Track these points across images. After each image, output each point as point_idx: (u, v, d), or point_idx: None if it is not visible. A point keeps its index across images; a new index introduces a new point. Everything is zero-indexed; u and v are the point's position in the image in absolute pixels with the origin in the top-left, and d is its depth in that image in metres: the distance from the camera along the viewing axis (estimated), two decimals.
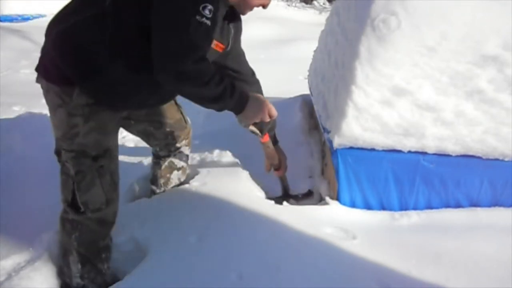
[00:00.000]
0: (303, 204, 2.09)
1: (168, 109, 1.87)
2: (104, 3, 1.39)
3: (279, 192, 2.23)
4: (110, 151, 1.59)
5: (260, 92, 1.99)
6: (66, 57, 1.45)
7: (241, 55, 1.94)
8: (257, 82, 2.03)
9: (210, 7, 1.34)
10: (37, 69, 1.55)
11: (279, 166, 2.12)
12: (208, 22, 1.34)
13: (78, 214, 1.57)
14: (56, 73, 1.46)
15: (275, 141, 2.12)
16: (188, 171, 2.13)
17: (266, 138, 1.98)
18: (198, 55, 1.39)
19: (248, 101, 1.58)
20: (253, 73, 2.01)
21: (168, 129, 1.91)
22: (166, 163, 2.02)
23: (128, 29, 1.40)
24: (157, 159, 2.04)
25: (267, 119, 1.67)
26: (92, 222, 1.59)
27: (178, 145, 1.99)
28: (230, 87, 1.49)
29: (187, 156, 2.09)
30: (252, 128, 1.81)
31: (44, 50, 1.53)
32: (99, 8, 1.40)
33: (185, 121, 1.99)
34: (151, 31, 1.35)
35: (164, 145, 1.97)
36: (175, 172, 2.05)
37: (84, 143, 1.51)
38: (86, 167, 1.53)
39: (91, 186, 1.55)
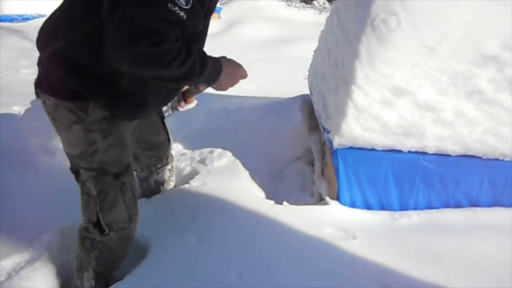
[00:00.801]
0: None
1: (157, 128, 1.82)
2: (98, 16, 1.27)
3: (279, 192, 2.23)
4: (130, 166, 1.53)
5: None
6: (72, 75, 1.35)
7: None
8: None
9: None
10: (38, 84, 1.43)
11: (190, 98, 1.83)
12: (182, 14, 1.20)
13: (100, 236, 1.51)
14: (66, 89, 1.36)
15: None
16: (173, 179, 2.10)
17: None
18: (158, 36, 1.20)
19: (221, 71, 1.43)
20: None
21: (153, 151, 1.86)
22: (151, 184, 1.99)
23: None
24: (140, 181, 1.99)
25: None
26: (114, 242, 1.53)
27: (159, 165, 1.95)
28: (200, 62, 1.32)
29: (169, 170, 2.03)
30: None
31: (43, 66, 1.42)
32: (92, 22, 1.29)
33: (169, 140, 1.93)
34: (115, 15, 1.20)
35: (146, 166, 1.91)
36: (161, 187, 2.02)
37: (105, 160, 1.44)
38: (108, 185, 1.46)
39: (114, 205, 1.48)
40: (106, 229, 1.49)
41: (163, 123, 1.88)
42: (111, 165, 1.46)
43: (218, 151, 2.42)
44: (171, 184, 2.07)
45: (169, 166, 2.02)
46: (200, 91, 1.74)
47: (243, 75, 1.55)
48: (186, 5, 1.21)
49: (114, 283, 1.61)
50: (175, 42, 1.23)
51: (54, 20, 1.40)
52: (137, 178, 2.00)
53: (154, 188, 2.01)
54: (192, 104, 1.82)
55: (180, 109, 1.81)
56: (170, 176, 2.05)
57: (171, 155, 2.01)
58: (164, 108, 1.85)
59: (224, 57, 1.48)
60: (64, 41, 1.33)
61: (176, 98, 1.78)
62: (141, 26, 1.18)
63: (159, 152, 1.90)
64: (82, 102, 1.37)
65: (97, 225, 1.50)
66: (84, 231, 1.54)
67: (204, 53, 1.37)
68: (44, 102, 1.44)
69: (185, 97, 1.75)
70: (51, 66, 1.37)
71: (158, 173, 1.98)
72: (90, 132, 1.40)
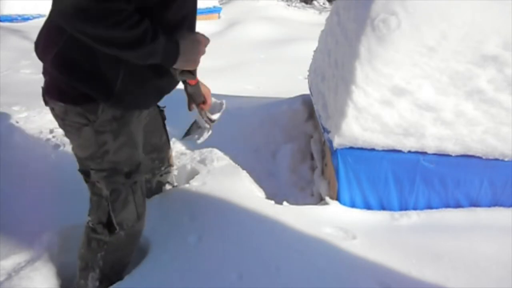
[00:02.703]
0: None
1: (159, 130, 1.82)
2: None
3: (279, 192, 2.23)
4: (141, 165, 1.53)
5: None
6: (77, 78, 1.33)
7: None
8: None
9: None
10: (46, 92, 1.42)
11: (205, 99, 1.72)
12: None
13: (110, 236, 1.51)
14: (75, 94, 1.35)
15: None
16: (174, 182, 2.10)
17: (197, 79, 1.60)
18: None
19: (179, 49, 1.31)
20: None
21: (155, 153, 1.85)
22: (154, 185, 1.99)
23: None
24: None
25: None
26: (122, 241, 1.54)
27: (163, 168, 1.95)
28: (152, 32, 1.22)
29: (171, 174, 2.04)
30: (183, 77, 1.50)
31: (49, 74, 1.40)
32: None
33: (168, 141, 1.93)
34: None
35: (150, 169, 1.90)
36: (163, 187, 2.03)
37: (116, 160, 1.44)
38: (120, 185, 1.46)
39: (125, 204, 1.49)
40: (117, 227, 1.49)
41: (164, 124, 1.88)
42: (122, 164, 1.45)
43: (218, 151, 2.42)
44: (173, 183, 2.07)
45: (174, 172, 2.02)
46: (193, 86, 1.61)
47: (205, 40, 1.40)
48: None
49: (115, 282, 1.61)
50: (126, 4, 1.16)
51: (47, 28, 1.39)
52: None
53: (155, 189, 2.01)
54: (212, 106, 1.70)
55: (212, 116, 1.70)
56: (172, 178, 2.05)
57: (172, 158, 2.01)
58: (196, 136, 1.78)
59: (188, 40, 1.36)
60: (60, 44, 1.32)
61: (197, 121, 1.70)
62: None
63: (161, 154, 1.89)
64: (91, 104, 1.36)
65: (107, 225, 1.50)
66: (92, 232, 1.54)
67: (157, 29, 1.25)
68: (53, 109, 1.43)
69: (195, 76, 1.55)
70: (58, 73, 1.36)
71: (161, 175, 1.99)
72: (100, 133, 1.39)
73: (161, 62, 1.31)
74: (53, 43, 1.34)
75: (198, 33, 1.41)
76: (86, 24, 1.16)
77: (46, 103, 1.44)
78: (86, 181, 1.50)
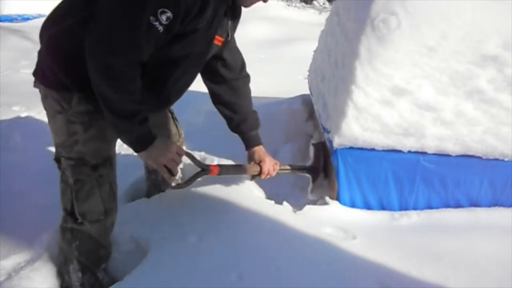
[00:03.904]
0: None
1: (165, 122, 1.84)
2: (94, 6, 1.29)
3: (279, 192, 2.22)
4: (110, 160, 1.55)
5: (247, 87, 1.86)
6: (60, 64, 1.40)
7: (235, 46, 1.80)
8: (245, 78, 1.85)
9: (169, 14, 1.24)
10: (34, 74, 1.50)
11: (260, 171, 1.87)
12: (161, 28, 1.26)
13: (76, 224, 1.54)
14: (54, 79, 1.42)
15: (257, 143, 1.90)
16: (180, 179, 2.10)
17: (215, 172, 1.73)
18: (135, 58, 1.30)
19: (151, 144, 1.44)
20: (242, 68, 1.83)
21: None
22: (160, 177, 2.00)
23: None
24: (149, 173, 2.01)
25: (167, 167, 1.51)
26: (91, 232, 1.56)
27: None
28: (143, 117, 1.38)
29: (181, 168, 2.05)
30: (194, 177, 1.67)
31: (40, 55, 1.49)
32: (87, 11, 1.32)
33: (179, 135, 1.95)
34: (98, 8, 1.25)
35: None
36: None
37: (84, 151, 1.47)
38: (85, 176, 1.49)
39: (90, 195, 1.51)
40: (79, 217, 1.52)
41: (173, 117, 1.89)
42: (89, 156, 1.48)
43: (218, 151, 2.43)
44: (178, 181, 2.07)
45: (180, 165, 2.02)
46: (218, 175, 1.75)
47: (178, 151, 1.53)
48: (169, 23, 1.26)
49: (102, 277, 1.63)
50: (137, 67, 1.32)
51: (56, 8, 1.46)
52: (146, 169, 2.02)
53: (161, 182, 2.01)
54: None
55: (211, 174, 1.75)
56: (180, 174, 2.05)
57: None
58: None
59: (164, 141, 1.51)
60: (59, 27, 1.38)
61: None
62: (119, 37, 1.25)
63: None
64: (67, 93, 1.41)
65: (71, 213, 1.53)
66: (63, 221, 1.59)
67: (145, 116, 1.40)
68: (40, 91, 1.51)
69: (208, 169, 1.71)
70: (46, 53, 1.43)
71: None
72: (71, 123, 1.44)
73: (128, 144, 1.43)
74: (53, 23, 1.41)
75: (174, 144, 1.55)
76: (105, 79, 1.30)
77: (34, 84, 1.52)
78: (58, 168, 1.55)
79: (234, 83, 1.79)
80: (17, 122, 3.03)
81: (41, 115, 3.11)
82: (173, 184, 1.68)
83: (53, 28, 1.40)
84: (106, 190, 1.54)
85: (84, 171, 1.49)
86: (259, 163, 1.87)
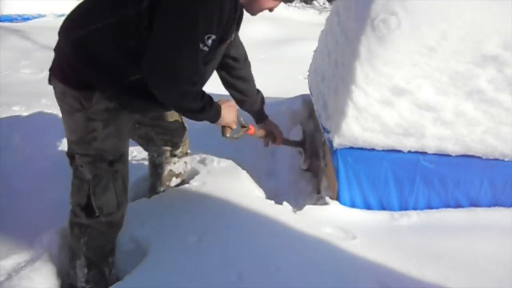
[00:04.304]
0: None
1: (171, 114, 1.88)
2: (125, 11, 1.37)
3: (279, 192, 2.23)
4: (124, 156, 1.61)
5: (251, 72, 2.04)
6: (87, 65, 1.44)
7: (238, 41, 1.92)
8: (248, 66, 2.03)
9: (213, 37, 1.39)
10: (51, 71, 1.53)
11: (275, 138, 2.18)
12: (207, 49, 1.40)
13: (90, 218, 1.57)
14: (76, 78, 1.46)
15: (265, 116, 2.15)
16: (185, 175, 2.13)
17: (252, 131, 2.05)
18: (197, 77, 1.45)
19: (220, 111, 1.66)
20: (245, 58, 1.99)
21: (168, 136, 1.92)
22: (165, 172, 2.03)
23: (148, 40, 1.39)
24: (155, 167, 2.03)
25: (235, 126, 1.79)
26: (102, 226, 1.60)
27: (176, 151, 1.99)
28: (209, 100, 1.56)
29: (186, 163, 2.09)
30: (238, 135, 1.94)
31: (61, 52, 1.50)
32: (120, 16, 1.38)
33: (184, 128, 1.99)
34: (151, 43, 1.35)
35: (162, 151, 1.96)
36: (174, 178, 2.06)
37: (102, 147, 1.52)
38: (102, 171, 1.54)
39: (106, 190, 1.56)
40: (96, 211, 1.56)
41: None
42: (107, 152, 1.53)
43: (218, 151, 2.42)
44: (183, 176, 2.10)
45: (185, 159, 2.07)
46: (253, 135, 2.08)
47: (231, 125, 1.77)
48: (212, 44, 1.41)
49: (109, 273, 1.65)
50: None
51: (84, 8, 1.49)
52: (151, 164, 2.05)
53: (166, 177, 2.04)
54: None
55: (250, 133, 2.05)
56: (184, 170, 2.09)
57: (187, 145, 2.05)
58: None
59: (224, 103, 1.70)
60: (88, 29, 1.42)
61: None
62: (184, 72, 1.38)
63: (174, 138, 1.95)
64: (88, 92, 1.46)
65: (85, 208, 1.57)
66: (72, 215, 1.61)
67: (210, 96, 1.57)
68: (54, 89, 1.53)
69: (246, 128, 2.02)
70: (71, 55, 1.45)
71: (174, 163, 2.03)
72: (91, 120, 1.48)
73: (205, 120, 1.63)
74: (84, 25, 1.43)
75: (229, 100, 1.77)
76: (183, 102, 1.46)
77: (49, 82, 1.55)
78: (71, 164, 1.58)
79: (240, 72, 1.95)
80: (17, 122, 3.03)
81: (42, 115, 3.12)
82: (227, 135, 1.82)
83: (81, 30, 1.43)
84: (120, 184, 1.59)
85: (102, 166, 1.54)
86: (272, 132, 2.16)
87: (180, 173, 2.07)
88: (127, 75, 1.44)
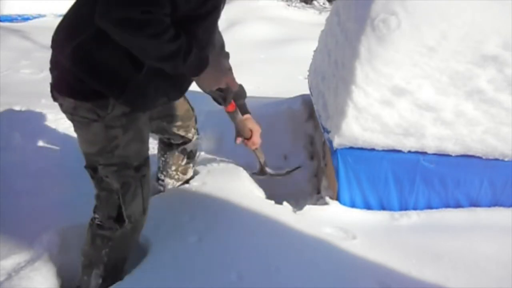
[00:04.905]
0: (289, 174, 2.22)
1: (177, 101, 1.83)
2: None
3: (279, 192, 2.23)
4: (148, 159, 1.57)
5: (228, 63, 1.86)
6: (92, 73, 1.36)
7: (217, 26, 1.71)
8: (226, 56, 1.88)
9: None
10: (55, 88, 1.44)
11: (249, 137, 2.00)
12: None
13: (120, 229, 1.54)
14: (85, 89, 1.37)
15: (245, 111, 1.99)
16: (197, 156, 2.14)
17: (231, 108, 1.88)
18: (151, 6, 1.22)
19: (205, 67, 1.41)
20: (222, 46, 1.87)
21: (179, 122, 1.89)
22: (177, 152, 2.02)
23: None
24: (167, 147, 2.02)
25: (221, 87, 1.59)
26: (125, 235, 1.57)
27: (189, 135, 1.98)
28: (186, 48, 1.31)
29: (197, 140, 2.08)
30: (214, 94, 1.76)
31: (60, 67, 1.41)
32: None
33: (192, 109, 1.96)
34: None
35: (178, 137, 1.95)
36: (186, 158, 2.05)
37: (125, 154, 1.47)
38: (130, 178, 1.50)
39: (135, 197, 1.52)
40: (126, 220, 1.52)
41: (185, 97, 1.88)
42: (131, 158, 1.49)
43: (218, 151, 2.43)
44: (195, 156, 2.10)
45: (196, 137, 2.04)
46: (230, 113, 1.90)
47: (232, 83, 1.60)
48: None
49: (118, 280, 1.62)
50: (165, 16, 1.24)
51: (72, 18, 1.42)
52: (162, 144, 2.03)
53: (178, 156, 2.03)
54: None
55: (226, 110, 1.88)
56: (196, 148, 2.08)
57: (196, 124, 2.03)
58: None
59: (214, 59, 1.48)
60: (85, 35, 1.33)
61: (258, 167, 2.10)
62: None
63: (185, 122, 1.92)
64: (101, 100, 1.39)
65: (117, 219, 1.53)
66: (98, 229, 1.56)
67: (191, 43, 1.34)
68: (61, 105, 1.46)
69: (226, 102, 1.84)
70: (72, 65, 1.37)
71: (186, 143, 2.00)
72: (111, 128, 1.43)
73: (188, 73, 1.42)
74: (75, 36, 1.36)
75: (227, 73, 1.59)
76: (129, 33, 1.23)
77: (55, 99, 1.47)
78: (92, 177, 1.52)
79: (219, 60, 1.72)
80: (17, 122, 3.03)
81: (42, 115, 3.11)
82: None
83: (78, 38, 1.35)
84: (146, 189, 1.57)
85: (128, 173, 1.49)
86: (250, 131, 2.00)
87: (191, 151, 2.06)
88: (133, 78, 1.37)
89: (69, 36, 1.38)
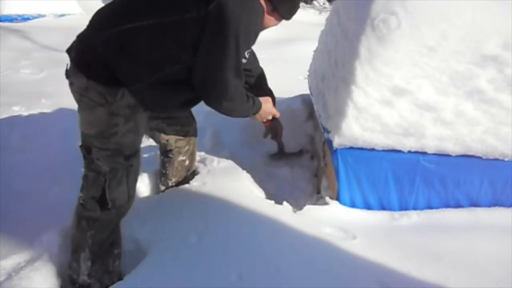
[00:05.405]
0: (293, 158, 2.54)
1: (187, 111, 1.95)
2: (163, 14, 1.45)
3: (279, 192, 2.23)
4: (139, 151, 1.66)
5: (265, 78, 2.18)
6: (119, 62, 1.48)
7: (253, 52, 2.01)
8: (262, 70, 2.16)
9: (250, 50, 1.62)
10: (74, 63, 1.52)
11: (276, 136, 2.35)
12: (245, 61, 1.60)
13: (102, 211, 1.59)
14: (104, 74, 1.48)
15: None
16: (195, 161, 2.18)
17: (268, 123, 2.23)
18: (242, 86, 1.62)
19: (261, 105, 1.87)
20: (257, 64, 2.12)
21: (179, 126, 1.97)
22: (176, 162, 2.06)
23: (186, 44, 1.48)
24: (167, 157, 2.06)
25: (271, 117, 2.05)
26: (111, 218, 1.63)
27: (186, 139, 2.02)
28: (252, 98, 1.77)
29: (195, 147, 2.13)
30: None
31: (88, 45, 1.51)
32: (158, 18, 1.45)
33: (193, 117, 2.04)
34: (201, 62, 1.48)
35: (174, 140, 2.00)
36: (185, 164, 2.10)
37: (121, 142, 1.56)
38: (119, 165, 1.58)
39: (120, 183, 1.60)
40: (109, 203, 1.59)
41: None
42: (125, 147, 1.58)
43: (218, 151, 2.43)
44: (194, 161, 2.16)
45: (194, 142, 2.11)
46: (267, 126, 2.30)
47: (275, 113, 2.07)
48: (247, 55, 1.60)
49: (113, 264, 1.65)
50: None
51: (119, 7, 1.53)
52: (162, 150, 2.08)
53: (178, 162, 2.07)
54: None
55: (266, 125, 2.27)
56: (194, 155, 2.14)
57: (196, 131, 2.10)
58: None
59: (261, 98, 1.91)
60: (125, 27, 1.46)
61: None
62: (232, 86, 1.54)
63: (184, 127, 2.00)
64: (113, 88, 1.49)
65: (100, 200, 1.59)
66: (82, 209, 1.62)
67: (251, 94, 1.78)
68: (72, 83, 1.54)
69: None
70: (102, 49, 1.47)
71: (185, 147, 2.06)
72: (114, 115, 1.52)
73: (250, 115, 1.86)
74: (117, 21, 1.48)
75: (272, 106, 2.04)
76: (234, 106, 1.65)
77: (68, 77, 1.55)
78: (85, 157, 1.59)
79: (251, 79, 2.09)
80: (17, 122, 3.04)
81: (42, 115, 3.12)
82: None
83: (117, 27, 1.47)
84: (132, 178, 1.65)
85: (119, 160, 1.58)
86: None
87: (191, 157, 2.11)
88: (158, 77, 1.51)
89: (112, 23, 1.49)
